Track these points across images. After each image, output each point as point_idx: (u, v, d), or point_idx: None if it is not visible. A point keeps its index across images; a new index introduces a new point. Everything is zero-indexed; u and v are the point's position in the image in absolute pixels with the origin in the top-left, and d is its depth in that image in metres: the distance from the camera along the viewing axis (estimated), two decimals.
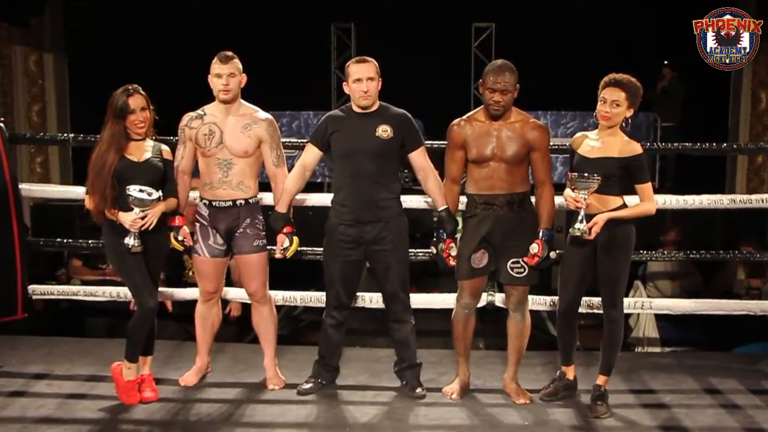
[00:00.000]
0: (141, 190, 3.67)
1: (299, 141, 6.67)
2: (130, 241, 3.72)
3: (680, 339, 5.92)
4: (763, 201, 4.39)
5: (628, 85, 3.61)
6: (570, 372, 3.97)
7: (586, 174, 3.57)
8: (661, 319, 5.90)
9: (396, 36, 9.80)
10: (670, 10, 9.17)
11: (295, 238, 3.98)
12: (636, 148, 3.63)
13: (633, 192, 3.69)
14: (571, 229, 3.64)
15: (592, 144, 3.70)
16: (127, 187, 3.66)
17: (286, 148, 4.76)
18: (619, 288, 3.71)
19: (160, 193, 3.76)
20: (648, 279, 6.23)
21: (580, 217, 3.62)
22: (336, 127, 3.91)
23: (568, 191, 3.66)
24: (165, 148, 3.90)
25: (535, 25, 9.94)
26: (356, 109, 3.89)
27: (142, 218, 3.71)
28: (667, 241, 6.33)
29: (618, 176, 3.62)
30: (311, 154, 3.98)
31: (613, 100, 3.61)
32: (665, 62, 9.74)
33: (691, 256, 4.75)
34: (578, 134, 3.82)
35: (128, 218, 3.70)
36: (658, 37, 9.62)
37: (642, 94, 3.67)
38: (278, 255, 3.99)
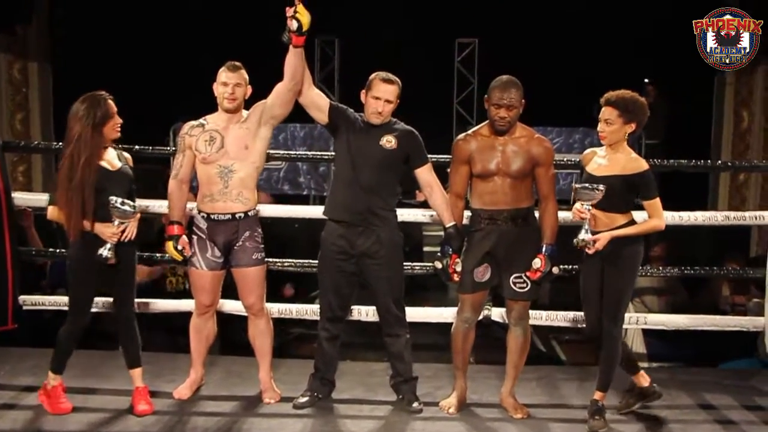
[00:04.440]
0: (123, 203, 3.64)
1: (286, 153, 6.70)
2: (105, 252, 3.67)
3: (666, 355, 5.96)
4: (757, 218, 4.45)
5: (617, 102, 3.65)
6: (640, 379, 3.94)
7: (588, 185, 3.60)
8: (648, 334, 5.94)
9: (379, 50, 9.81)
10: (651, 28, 9.31)
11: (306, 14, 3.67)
12: (641, 165, 3.67)
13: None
14: (575, 240, 3.67)
15: (599, 161, 3.74)
16: (110, 198, 3.63)
17: (272, 159, 4.77)
18: (621, 304, 3.74)
19: (138, 204, 3.75)
20: (635, 294, 6.26)
21: (584, 228, 3.64)
22: (348, 124, 3.91)
23: (576, 204, 3.68)
24: (126, 155, 3.90)
25: (518, 42, 10.01)
26: (367, 119, 3.91)
27: (121, 230, 3.68)
28: (653, 257, 6.38)
29: (624, 193, 3.65)
30: (322, 98, 3.95)
31: (605, 119, 3.67)
32: (646, 80, 9.84)
33: (677, 272, 4.80)
34: (588, 150, 3.87)
35: (108, 230, 3.68)
36: (640, 55, 9.73)
37: (640, 106, 3.68)
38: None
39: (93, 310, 4.66)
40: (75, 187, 3.61)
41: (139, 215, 3.77)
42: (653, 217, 3.71)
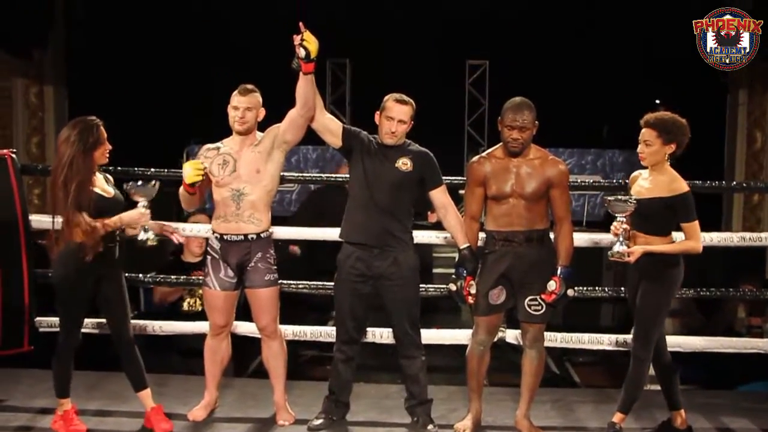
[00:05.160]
0: (140, 181, 3.69)
1: (299, 175, 6.72)
2: (145, 235, 3.73)
3: (682, 377, 5.90)
4: None
5: (655, 123, 3.67)
6: (677, 418, 3.91)
7: (621, 197, 3.62)
8: None
9: (390, 72, 9.87)
10: (663, 48, 9.32)
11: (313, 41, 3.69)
12: (681, 187, 3.66)
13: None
14: (609, 252, 3.69)
15: (642, 184, 3.75)
16: (127, 184, 3.68)
17: (285, 181, 4.79)
18: (652, 326, 3.71)
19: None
20: None
21: (619, 241, 3.64)
22: (362, 147, 3.93)
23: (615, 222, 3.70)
24: (109, 177, 3.92)
25: (529, 63, 10.05)
26: (381, 140, 3.93)
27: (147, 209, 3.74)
28: None
29: (663, 216, 3.65)
30: (334, 122, 3.98)
31: (644, 140, 3.69)
32: (657, 101, 9.85)
33: (692, 294, 4.77)
34: (635, 172, 3.88)
35: (136, 213, 3.72)
36: (651, 76, 9.74)
37: (680, 127, 3.69)
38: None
39: (109, 331, 4.71)
40: (71, 205, 3.60)
41: (158, 187, 3.78)
42: (690, 239, 3.68)
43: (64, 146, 3.65)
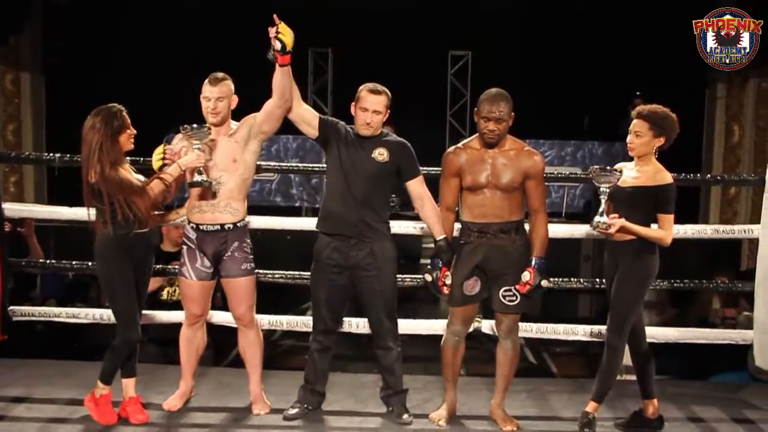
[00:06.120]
0: (193, 124, 3.70)
1: (278, 165, 6.71)
2: (200, 177, 3.76)
3: (656, 367, 5.95)
4: (746, 231, 4.47)
5: (648, 115, 3.71)
6: (649, 407, 3.94)
7: (606, 167, 3.66)
8: None
9: (373, 61, 9.84)
10: (643, 42, 9.36)
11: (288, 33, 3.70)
12: (665, 178, 3.70)
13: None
14: (591, 223, 3.72)
15: (627, 173, 3.77)
16: (183, 127, 3.70)
17: (264, 171, 4.76)
18: (627, 316, 3.74)
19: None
20: None
21: (600, 211, 3.68)
22: (339, 137, 3.92)
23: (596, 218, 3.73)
24: (132, 167, 3.92)
25: (511, 55, 10.07)
26: (358, 131, 3.91)
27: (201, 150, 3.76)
28: None
29: (647, 205, 3.69)
30: (310, 112, 3.96)
31: (635, 131, 3.72)
32: (637, 93, 9.89)
33: (666, 285, 4.79)
34: (619, 164, 3.89)
35: (193, 156, 3.75)
36: (631, 68, 9.78)
37: (671, 122, 3.72)
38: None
39: (85, 321, 4.70)
40: (111, 172, 3.62)
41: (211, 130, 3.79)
42: (663, 229, 3.72)
43: (91, 133, 3.66)
